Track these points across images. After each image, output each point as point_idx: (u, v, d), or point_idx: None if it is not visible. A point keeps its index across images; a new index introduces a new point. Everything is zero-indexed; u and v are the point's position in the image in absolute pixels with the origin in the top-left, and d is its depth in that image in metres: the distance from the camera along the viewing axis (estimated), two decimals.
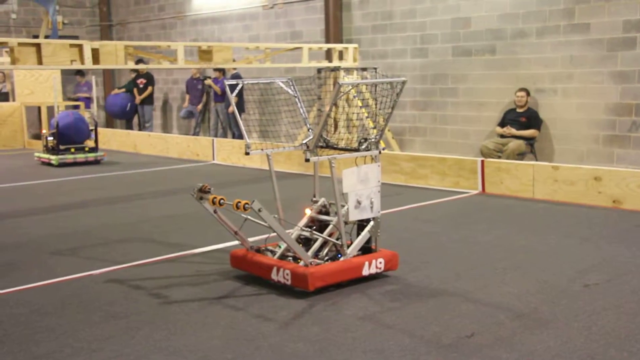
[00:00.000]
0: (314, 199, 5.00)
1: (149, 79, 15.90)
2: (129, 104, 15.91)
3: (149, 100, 15.96)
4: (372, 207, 4.66)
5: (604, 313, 4.05)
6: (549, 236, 6.03)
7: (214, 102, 14.67)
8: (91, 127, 12.11)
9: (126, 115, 16.18)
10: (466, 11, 10.88)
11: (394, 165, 9.08)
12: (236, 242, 5.46)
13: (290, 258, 4.67)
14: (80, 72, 16.31)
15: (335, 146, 4.90)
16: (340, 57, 10.78)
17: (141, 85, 15.88)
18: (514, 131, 9.89)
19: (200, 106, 15.19)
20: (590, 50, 9.59)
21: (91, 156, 11.87)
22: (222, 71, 14.18)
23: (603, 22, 9.43)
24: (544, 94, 10.14)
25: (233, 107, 5.26)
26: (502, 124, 10.13)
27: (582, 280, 4.70)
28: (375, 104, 4.89)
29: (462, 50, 11.02)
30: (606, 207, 7.21)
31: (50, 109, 14.00)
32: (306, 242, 4.79)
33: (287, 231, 4.60)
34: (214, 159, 11.84)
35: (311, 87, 5.54)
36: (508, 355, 3.47)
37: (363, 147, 4.71)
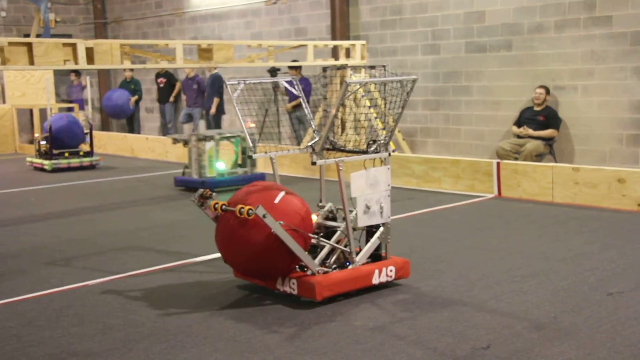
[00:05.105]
0: (321, 204, 5.02)
1: (169, 77, 15.97)
2: (128, 102, 15.81)
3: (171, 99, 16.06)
4: (381, 213, 4.67)
5: (628, 323, 4.04)
6: (569, 242, 6.02)
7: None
8: (86, 131, 12.17)
9: (124, 113, 16.07)
10: (480, 5, 10.89)
11: (404, 168, 9.09)
12: None
13: (297, 266, 4.68)
14: (76, 71, 16.36)
15: (342, 148, 4.91)
16: (348, 55, 10.81)
17: (161, 85, 15.96)
18: (531, 131, 9.88)
19: (212, 110, 14.44)
20: (613, 45, 9.57)
21: (86, 161, 11.94)
22: (298, 69, 12.45)
23: (626, 15, 9.41)
24: (564, 91, 10.13)
25: (236, 108, 5.26)
26: (519, 123, 10.12)
27: (605, 289, 4.70)
28: (385, 104, 4.90)
29: (476, 46, 11.02)
30: (630, 211, 7.19)
31: (43, 112, 14.07)
32: (312, 250, 4.80)
33: None
34: None
35: (316, 87, 5.56)
36: None
37: (372, 149, 4.72)
